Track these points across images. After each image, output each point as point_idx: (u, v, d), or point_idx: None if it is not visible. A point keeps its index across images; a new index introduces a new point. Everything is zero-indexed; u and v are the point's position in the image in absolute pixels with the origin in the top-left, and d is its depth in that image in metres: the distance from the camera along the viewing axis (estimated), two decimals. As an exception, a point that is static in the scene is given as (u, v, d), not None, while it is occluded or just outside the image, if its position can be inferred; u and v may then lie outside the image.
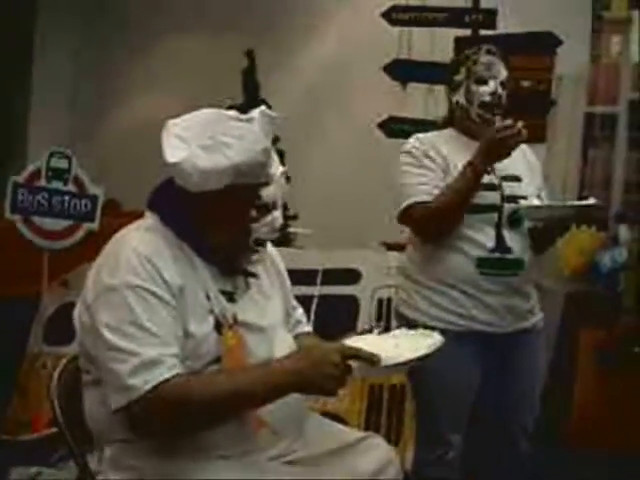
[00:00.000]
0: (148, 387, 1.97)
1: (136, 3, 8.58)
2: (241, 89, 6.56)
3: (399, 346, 2.19)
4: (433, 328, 2.85)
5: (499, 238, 3.00)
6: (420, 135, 3.15)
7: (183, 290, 2.10)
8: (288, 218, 6.34)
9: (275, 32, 7.39)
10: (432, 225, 2.99)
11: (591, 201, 3.01)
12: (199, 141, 2.09)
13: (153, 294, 2.05)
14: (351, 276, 4.19)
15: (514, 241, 3.02)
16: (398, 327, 2.64)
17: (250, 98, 6.43)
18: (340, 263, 4.22)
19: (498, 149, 2.91)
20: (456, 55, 5.21)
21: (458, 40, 5.25)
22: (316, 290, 4.16)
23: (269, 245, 2.44)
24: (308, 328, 2.56)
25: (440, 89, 5.63)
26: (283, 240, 6.31)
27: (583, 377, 4.22)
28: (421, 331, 2.39)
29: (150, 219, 2.22)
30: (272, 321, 2.31)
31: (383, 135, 5.54)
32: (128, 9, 8.59)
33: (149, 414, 1.99)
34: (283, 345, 2.29)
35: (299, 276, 4.04)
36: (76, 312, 2.18)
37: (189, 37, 8.14)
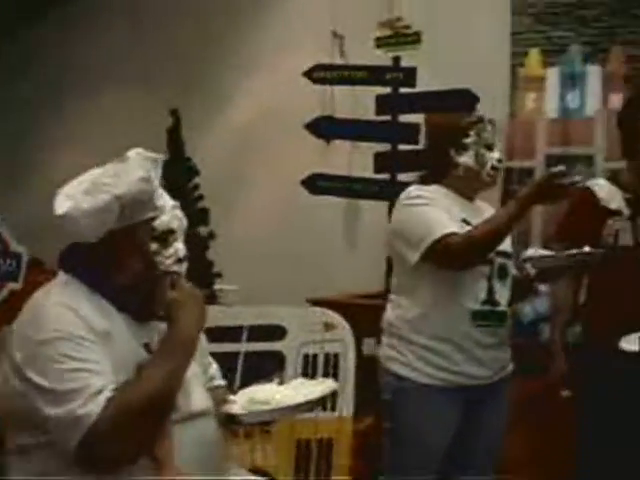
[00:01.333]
0: (99, 410, 1.98)
1: (55, 61, 8.54)
2: (166, 147, 6.59)
3: (291, 393, 2.27)
4: (424, 385, 3.10)
5: (490, 290, 3.15)
6: (417, 186, 3.27)
7: (110, 335, 2.13)
8: (213, 276, 6.36)
9: (200, 90, 7.42)
10: (470, 253, 3.07)
11: (587, 249, 3.16)
12: (81, 190, 2.18)
13: (85, 339, 2.07)
14: (277, 332, 4.20)
15: (501, 294, 3.19)
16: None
17: (175, 156, 6.46)
18: (265, 319, 4.23)
19: (551, 194, 3.05)
20: (379, 112, 5.34)
21: (379, 98, 5.35)
22: (242, 347, 4.16)
23: None
24: (221, 382, 2.61)
25: (365, 145, 5.78)
26: (209, 298, 6.31)
27: (512, 427, 4.28)
28: (319, 380, 2.47)
29: (63, 277, 2.26)
30: (190, 371, 2.29)
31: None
32: (47, 66, 8.53)
33: (110, 433, 1.98)
34: (200, 397, 2.34)
35: (225, 333, 4.07)
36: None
37: (114, 94, 8.11)
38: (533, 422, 4.31)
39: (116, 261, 2.21)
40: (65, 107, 8.38)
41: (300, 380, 2.48)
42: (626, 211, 3.47)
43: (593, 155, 5.19)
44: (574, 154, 5.25)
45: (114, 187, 2.13)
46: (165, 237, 2.25)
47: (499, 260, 3.18)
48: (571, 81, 5.45)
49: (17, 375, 2.09)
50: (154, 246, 2.23)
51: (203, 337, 2.50)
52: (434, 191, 3.21)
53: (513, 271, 3.29)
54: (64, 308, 2.11)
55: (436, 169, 3.32)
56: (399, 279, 3.28)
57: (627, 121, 3.53)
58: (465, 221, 3.14)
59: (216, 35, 7.51)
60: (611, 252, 3.42)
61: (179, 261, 2.28)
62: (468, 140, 3.21)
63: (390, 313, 3.28)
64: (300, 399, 2.23)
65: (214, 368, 2.60)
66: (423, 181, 3.33)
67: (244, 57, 7.48)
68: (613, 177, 3.63)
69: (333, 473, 3.97)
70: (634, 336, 3.22)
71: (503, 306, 3.19)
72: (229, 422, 2.38)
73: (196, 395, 2.31)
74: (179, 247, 2.29)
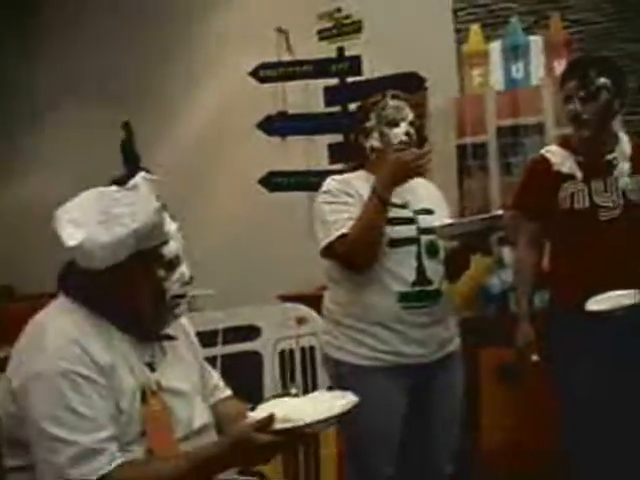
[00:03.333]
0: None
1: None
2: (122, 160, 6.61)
3: (316, 408, 2.26)
4: (360, 366, 3.09)
5: (420, 270, 3.14)
6: (336, 176, 3.31)
7: (114, 367, 2.12)
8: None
9: (151, 101, 7.41)
10: (354, 255, 3.10)
11: (499, 212, 3.19)
12: (93, 219, 2.13)
13: (84, 377, 2.06)
14: (251, 332, 4.23)
15: (433, 272, 3.17)
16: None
17: (131, 169, 6.45)
18: (239, 320, 4.26)
19: (399, 172, 3.07)
20: (329, 104, 5.37)
21: (327, 89, 5.38)
22: (219, 350, 4.19)
23: None
24: (228, 392, 2.60)
25: (319, 139, 5.81)
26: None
27: (488, 396, 4.35)
28: (337, 393, 2.47)
29: (65, 301, 2.24)
30: (191, 385, 2.36)
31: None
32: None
33: None
34: (201, 412, 2.35)
35: (200, 338, 4.08)
36: None
37: (66, 113, 8.09)
38: (509, 389, 4.37)
39: (124, 288, 2.19)
40: (21, 130, 8.37)
41: (317, 393, 2.47)
42: (579, 174, 3.51)
43: (543, 123, 5.23)
44: (524, 124, 5.29)
45: (131, 220, 2.12)
46: (172, 262, 2.27)
47: (426, 238, 3.18)
48: (514, 53, 5.48)
49: (13, 400, 2.10)
50: (162, 272, 2.23)
51: (197, 343, 2.53)
52: (356, 178, 3.25)
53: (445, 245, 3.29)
54: (67, 340, 2.09)
55: (356, 156, 3.38)
56: (327, 268, 3.30)
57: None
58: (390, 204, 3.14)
59: (161, 44, 7.50)
60: (568, 215, 3.48)
61: (185, 284, 2.30)
62: (369, 123, 3.25)
63: (326, 299, 3.32)
64: (325, 415, 2.21)
65: (216, 378, 2.59)
66: (353, 169, 3.37)
67: (191, 63, 7.49)
68: (565, 142, 3.67)
69: (321, 465, 4.00)
70: (600, 297, 3.27)
71: (436, 284, 3.18)
72: None
73: (197, 410, 2.33)
74: (184, 271, 2.30)
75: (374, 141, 3.24)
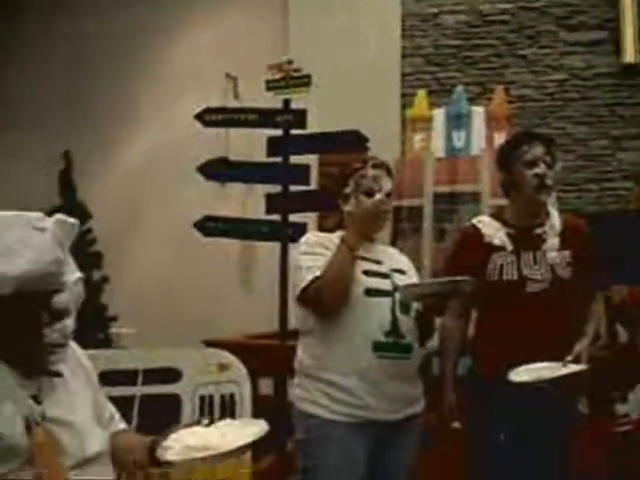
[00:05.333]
0: None
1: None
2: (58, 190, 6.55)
3: (226, 435, 2.25)
4: (330, 421, 3.13)
5: (394, 322, 3.21)
6: (316, 232, 3.45)
7: None
8: (108, 319, 6.31)
9: (94, 135, 7.39)
10: (323, 298, 3.15)
11: (458, 277, 3.24)
12: None
13: None
14: (172, 374, 4.20)
15: (406, 327, 3.24)
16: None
17: (67, 200, 6.41)
18: (160, 362, 4.22)
19: (366, 220, 3.25)
20: (271, 154, 5.40)
21: (271, 139, 5.41)
22: (138, 390, 4.14)
23: (73, 344, 2.45)
24: (122, 425, 2.58)
25: (259, 187, 5.82)
26: (104, 341, 6.26)
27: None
28: (246, 420, 2.45)
29: None
30: (81, 416, 2.31)
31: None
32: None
33: None
34: (95, 441, 2.32)
35: (120, 377, 4.05)
36: None
37: (3, 143, 8.01)
38: (428, 456, 4.36)
39: (5, 322, 2.16)
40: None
41: (227, 421, 2.46)
42: (509, 246, 3.56)
43: (479, 192, 5.31)
44: (461, 191, 5.36)
45: (23, 261, 2.08)
46: (59, 312, 2.25)
47: (398, 294, 3.25)
48: (457, 121, 5.59)
49: None
50: (45, 318, 2.21)
51: (95, 378, 2.50)
52: (335, 237, 3.31)
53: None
54: None
55: (334, 217, 3.47)
56: (302, 319, 3.33)
57: (503, 161, 3.65)
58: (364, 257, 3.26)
59: (109, 79, 7.50)
60: (496, 286, 3.52)
61: (65, 337, 2.29)
62: (347, 190, 3.32)
63: (301, 353, 3.33)
64: (238, 443, 2.19)
65: (111, 409, 2.56)
66: (330, 229, 3.46)
67: (138, 101, 7.49)
68: (497, 213, 3.73)
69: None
70: (521, 368, 3.30)
71: (409, 339, 3.25)
72: (159, 467, 2.36)
73: (91, 439, 2.29)
74: (68, 324, 2.29)
75: (350, 207, 3.31)
